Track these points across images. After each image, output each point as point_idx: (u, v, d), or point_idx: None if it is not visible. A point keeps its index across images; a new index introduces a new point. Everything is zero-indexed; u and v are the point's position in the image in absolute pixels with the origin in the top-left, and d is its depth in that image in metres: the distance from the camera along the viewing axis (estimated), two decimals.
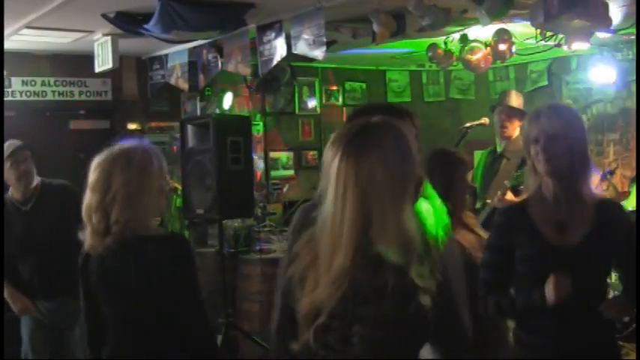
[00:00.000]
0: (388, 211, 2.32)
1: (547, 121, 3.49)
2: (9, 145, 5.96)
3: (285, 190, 10.29)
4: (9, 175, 5.93)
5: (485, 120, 7.15)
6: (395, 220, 2.32)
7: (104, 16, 6.61)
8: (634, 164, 9.92)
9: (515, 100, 7.11)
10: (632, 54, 9.78)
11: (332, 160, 2.39)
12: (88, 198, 3.60)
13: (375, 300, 2.32)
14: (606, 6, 5.94)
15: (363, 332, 2.34)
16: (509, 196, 6.17)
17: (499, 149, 7.00)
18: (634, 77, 9.73)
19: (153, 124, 9.22)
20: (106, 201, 3.52)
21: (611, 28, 6.78)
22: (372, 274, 2.32)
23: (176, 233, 3.81)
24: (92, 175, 3.61)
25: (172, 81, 8.30)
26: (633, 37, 8.90)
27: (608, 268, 3.61)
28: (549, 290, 3.30)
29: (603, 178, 7.37)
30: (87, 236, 3.60)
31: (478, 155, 7.63)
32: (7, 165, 5.89)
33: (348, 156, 2.36)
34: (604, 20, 5.96)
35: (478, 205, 6.79)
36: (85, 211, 3.59)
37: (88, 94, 8.78)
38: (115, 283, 3.60)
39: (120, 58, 7.61)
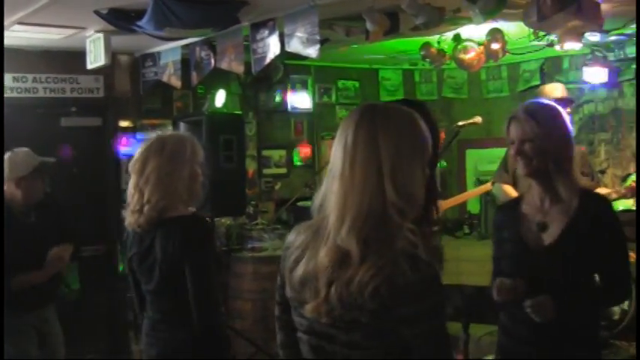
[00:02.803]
0: (399, 168, 2.29)
1: (520, 123, 3.53)
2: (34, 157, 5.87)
3: (277, 188, 10.29)
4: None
5: (477, 119, 7.15)
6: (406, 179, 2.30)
7: (97, 12, 6.59)
8: (625, 164, 9.96)
9: (561, 90, 7.01)
10: (623, 54, 9.81)
11: (342, 136, 2.38)
12: (130, 179, 4.01)
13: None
14: (598, 6, 5.96)
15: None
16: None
17: None
18: (625, 77, 9.76)
19: (145, 121, 9.18)
20: (140, 182, 3.91)
21: (603, 28, 6.81)
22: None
23: (194, 214, 4.04)
24: (133, 159, 4.01)
25: (165, 78, 8.27)
26: (623, 37, 8.94)
27: (589, 262, 3.55)
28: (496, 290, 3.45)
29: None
30: (127, 214, 3.97)
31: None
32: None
33: (358, 126, 2.35)
34: (596, 20, 5.98)
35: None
36: (128, 191, 4.00)
37: (80, 91, 8.74)
38: (145, 261, 3.97)
39: (112, 55, 7.59)
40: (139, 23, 6.45)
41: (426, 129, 2.40)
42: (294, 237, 2.48)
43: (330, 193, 2.34)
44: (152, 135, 4.12)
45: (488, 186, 7.72)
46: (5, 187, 5.69)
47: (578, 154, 6.32)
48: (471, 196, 8.61)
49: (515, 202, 3.77)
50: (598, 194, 3.72)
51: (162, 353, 4.01)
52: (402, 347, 2.27)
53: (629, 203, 7.51)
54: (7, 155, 5.78)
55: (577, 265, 3.48)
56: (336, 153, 2.36)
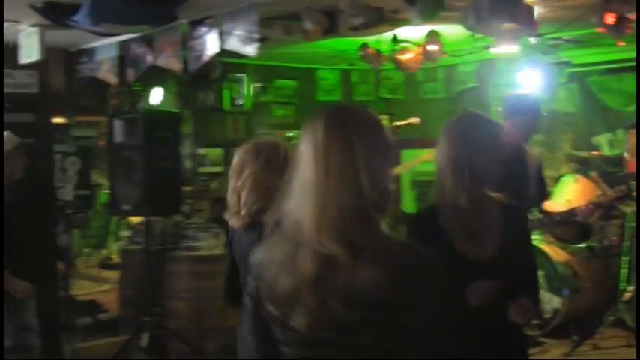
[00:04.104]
0: (374, 167, 2.29)
1: (498, 130, 3.56)
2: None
3: (213, 186, 10.25)
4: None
5: (414, 120, 7.17)
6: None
7: (31, 5, 6.49)
8: (557, 165, 10.10)
9: None
10: (557, 58, 9.96)
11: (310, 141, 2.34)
12: (229, 183, 4.26)
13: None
14: (533, 11, 6.06)
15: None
16: None
17: None
18: (560, 80, 9.91)
19: (80, 118, 9.08)
20: (237, 186, 4.18)
21: (538, 32, 6.91)
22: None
23: None
24: (232, 164, 4.27)
25: (101, 75, 8.17)
26: (560, 41, 9.07)
27: (517, 269, 3.63)
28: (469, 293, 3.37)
29: None
30: (228, 216, 4.26)
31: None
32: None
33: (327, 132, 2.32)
34: (531, 24, 6.07)
35: None
36: (228, 194, 4.26)
37: (13, 86, 8.58)
38: (244, 260, 4.10)
39: (47, 50, 7.47)
40: (75, 18, 6.36)
41: (387, 131, 2.42)
42: (263, 253, 2.44)
43: (300, 199, 2.30)
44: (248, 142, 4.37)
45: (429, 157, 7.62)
46: None
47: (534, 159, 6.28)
48: (414, 165, 8.57)
49: (431, 213, 3.67)
50: (516, 205, 3.74)
51: None
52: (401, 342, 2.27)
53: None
54: None
55: (513, 273, 3.52)
56: (305, 158, 2.31)
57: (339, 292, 2.22)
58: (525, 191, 5.86)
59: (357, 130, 2.30)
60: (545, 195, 6.18)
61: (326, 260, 2.23)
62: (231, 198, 4.23)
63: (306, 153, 2.32)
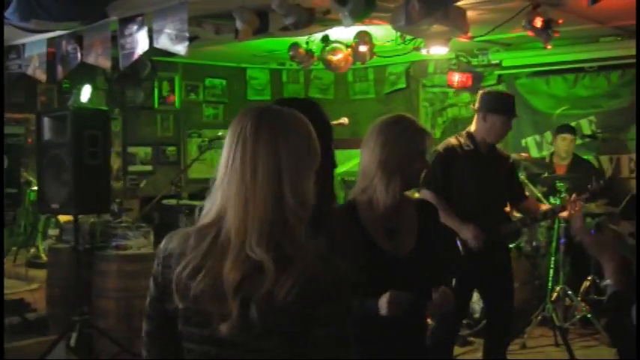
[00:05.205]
0: (298, 176, 2.29)
1: (427, 136, 3.62)
2: None
3: (142, 185, 10.19)
4: None
5: (344, 120, 7.18)
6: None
7: None
8: None
9: None
10: (486, 60, 10.10)
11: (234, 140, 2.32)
12: None
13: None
14: (464, 13, 6.12)
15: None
16: None
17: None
18: (488, 82, 10.04)
19: (8, 115, 8.96)
20: None
21: (469, 34, 6.99)
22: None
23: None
24: None
25: (30, 71, 8.08)
26: (489, 44, 9.20)
27: (438, 266, 3.69)
28: (383, 304, 3.34)
29: None
30: None
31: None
32: None
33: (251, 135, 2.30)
34: (462, 26, 6.13)
35: None
36: None
37: None
38: None
39: None
40: (4, 13, 6.29)
41: (315, 137, 2.39)
42: (176, 244, 2.35)
43: (226, 201, 2.28)
44: None
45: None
46: None
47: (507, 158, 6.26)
48: None
49: (350, 208, 3.65)
50: (428, 202, 3.79)
51: None
52: (313, 352, 2.24)
53: None
54: None
55: (432, 269, 3.57)
56: (234, 159, 2.28)
57: (266, 301, 2.19)
58: (506, 191, 5.91)
59: (286, 140, 2.30)
60: (523, 195, 6.20)
61: (253, 266, 2.21)
62: None
63: (234, 154, 2.30)
